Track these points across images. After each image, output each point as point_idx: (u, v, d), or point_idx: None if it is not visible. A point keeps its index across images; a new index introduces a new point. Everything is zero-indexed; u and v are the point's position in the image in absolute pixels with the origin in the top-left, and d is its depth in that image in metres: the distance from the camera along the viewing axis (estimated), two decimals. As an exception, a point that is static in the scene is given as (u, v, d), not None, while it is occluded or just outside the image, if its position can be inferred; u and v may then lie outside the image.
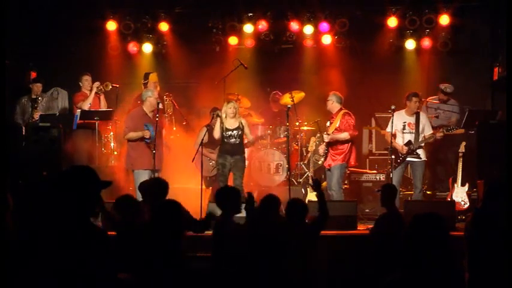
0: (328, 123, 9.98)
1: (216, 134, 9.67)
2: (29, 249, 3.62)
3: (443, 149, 10.98)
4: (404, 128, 9.79)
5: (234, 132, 9.61)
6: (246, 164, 10.09)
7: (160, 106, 9.73)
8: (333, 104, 9.85)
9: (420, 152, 9.72)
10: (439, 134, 9.79)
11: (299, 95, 11.19)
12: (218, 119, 9.63)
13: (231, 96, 10.94)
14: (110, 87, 11.18)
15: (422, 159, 9.74)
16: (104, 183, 3.76)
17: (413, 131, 9.77)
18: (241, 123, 9.66)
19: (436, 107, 10.92)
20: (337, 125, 9.75)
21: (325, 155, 9.86)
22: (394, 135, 9.76)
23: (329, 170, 9.83)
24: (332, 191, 9.72)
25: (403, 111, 9.87)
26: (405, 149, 9.68)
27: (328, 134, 9.72)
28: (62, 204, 3.67)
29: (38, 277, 3.55)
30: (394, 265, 4.56)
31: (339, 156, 9.76)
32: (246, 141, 9.90)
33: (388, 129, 9.80)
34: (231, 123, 9.62)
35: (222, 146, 9.72)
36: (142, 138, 9.44)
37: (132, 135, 9.48)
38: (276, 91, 11.90)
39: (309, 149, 10.50)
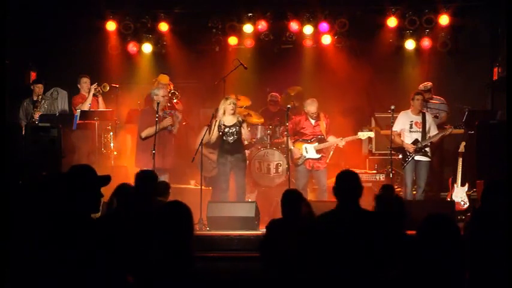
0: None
1: (214, 136, 9.64)
2: (30, 249, 3.62)
3: (443, 149, 10.98)
4: (411, 127, 9.83)
5: (232, 129, 9.58)
6: (247, 163, 10.12)
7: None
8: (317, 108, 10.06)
9: (427, 150, 9.77)
10: (449, 130, 9.83)
11: (296, 91, 11.21)
12: (214, 122, 9.59)
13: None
14: (108, 88, 11.20)
15: (429, 158, 9.79)
16: (103, 180, 3.79)
17: (420, 129, 9.80)
18: (239, 121, 9.65)
19: (424, 106, 10.88)
20: (325, 126, 10.03)
21: (319, 158, 10.01)
22: (399, 135, 9.81)
23: (316, 171, 10.02)
24: (324, 191, 9.97)
25: (409, 111, 9.91)
26: (413, 147, 9.71)
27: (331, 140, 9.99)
28: (62, 204, 3.68)
29: (40, 277, 3.55)
30: (391, 264, 4.58)
31: (325, 158, 10.10)
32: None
33: (394, 128, 9.82)
34: (229, 120, 9.60)
35: (221, 145, 9.71)
36: (152, 140, 9.35)
37: (150, 130, 9.42)
38: (272, 92, 11.89)
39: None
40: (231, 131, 9.58)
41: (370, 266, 4.74)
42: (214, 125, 9.54)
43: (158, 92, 9.63)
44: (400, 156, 9.83)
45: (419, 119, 9.85)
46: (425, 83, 11.01)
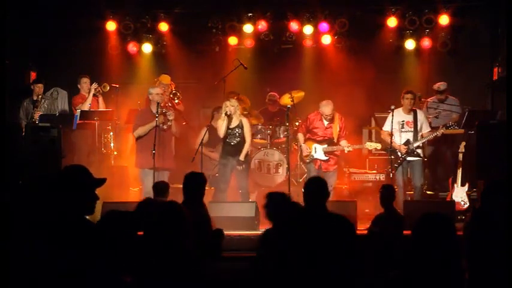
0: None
1: (221, 132, 9.64)
2: (30, 249, 3.62)
3: (443, 149, 10.98)
4: (402, 127, 9.84)
5: (235, 130, 9.60)
6: (249, 163, 10.13)
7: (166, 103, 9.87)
8: (333, 109, 10.04)
9: (419, 151, 9.78)
10: (440, 131, 9.83)
11: (299, 95, 11.20)
12: (225, 118, 9.59)
13: (231, 95, 10.95)
14: (108, 88, 11.20)
15: (421, 157, 9.79)
16: (98, 181, 3.78)
17: (412, 129, 9.81)
18: (242, 122, 9.65)
19: (436, 106, 10.91)
20: (338, 129, 10.02)
21: (327, 159, 10.05)
22: (391, 135, 9.81)
23: (324, 172, 9.98)
24: (330, 191, 9.87)
25: (400, 110, 9.92)
26: (404, 148, 9.72)
27: (348, 145, 10.03)
28: (58, 204, 3.68)
29: (40, 277, 3.55)
30: (391, 264, 4.58)
31: (335, 160, 10.12)
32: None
33: (386, 128, 9.84)
34: (232, 122, 9.61)
35: (223, 146, 9.74)
36: (151, 139, 9.36)
37: (141, 129, 9.50)
38: (272, 92, 11.89)
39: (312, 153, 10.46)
40: (233, 132, 9.59)
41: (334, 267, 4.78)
42: (223, 120, 9.56)
43: (152, 90, 9.66)
44: (392, 157, 9.82)
45: (410, 118, 9.86)
46: (438, 84, 10.92)
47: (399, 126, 9.84)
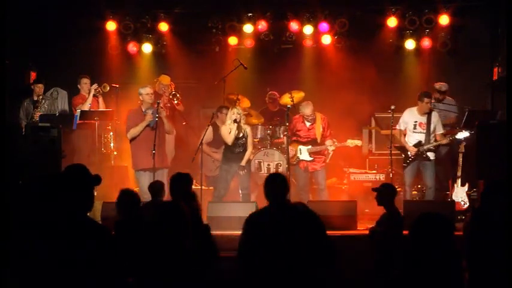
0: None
1: (230, 140, 9.63)
2: (30, 249, 3.62)
3: (443, 149, 10.97)
4: (415, 128, 9.84)
5: (240, 140, 9.63)
6: (251, 166, 10.16)
7: (161, 104, 9.83)
8: (313, 110, 10.16)
9: (430, 154, 9.77)
10: (444, 141, 9.83)
11: (299, 95, 11.20)
12: (233, 125, 9.60)
13: (231, 96, 10.96)
14: (108, 88, 11.20)
15: (432, 159, 9.80)
16: (94, 180, 3.79)
17: (424, 131, 9.80)
18: (246, 132, 9.68)
19: (433, 106, 10.88)
20: (321, 130, 10.16)
21: (312, 160, 10.18)
22: (404, 134, 9.83)
23: (312, 172, 10.19)
24: (322, 190, 10.16)
25: (414, 109, 9.91)
26: (414, 150, 9.72)
27: (332, 144, 10.17)
28: (59, 204, 3.69)
29: (38, 277, 3.55)
30: (393, 264, 4.58)
31: (322, 159, 10.23)
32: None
33: (399, 126, 9.85)
34: (239, 130, 9.64)
35: (226, 153, 9.75)
36: (143, 139, 9.40)
37: (134, 130, 9.51)
38: (272, 91, 11.89)
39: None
40: (237, 142, 9.61)
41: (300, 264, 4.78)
42: (230, 127, 9.58)
43: (142, 91, 9.67)
44: (403, 156, 9.86)
45: (424, 119, 9.84)
46: (440, 84, 10.89)
47: (411, 127, 9.84)
